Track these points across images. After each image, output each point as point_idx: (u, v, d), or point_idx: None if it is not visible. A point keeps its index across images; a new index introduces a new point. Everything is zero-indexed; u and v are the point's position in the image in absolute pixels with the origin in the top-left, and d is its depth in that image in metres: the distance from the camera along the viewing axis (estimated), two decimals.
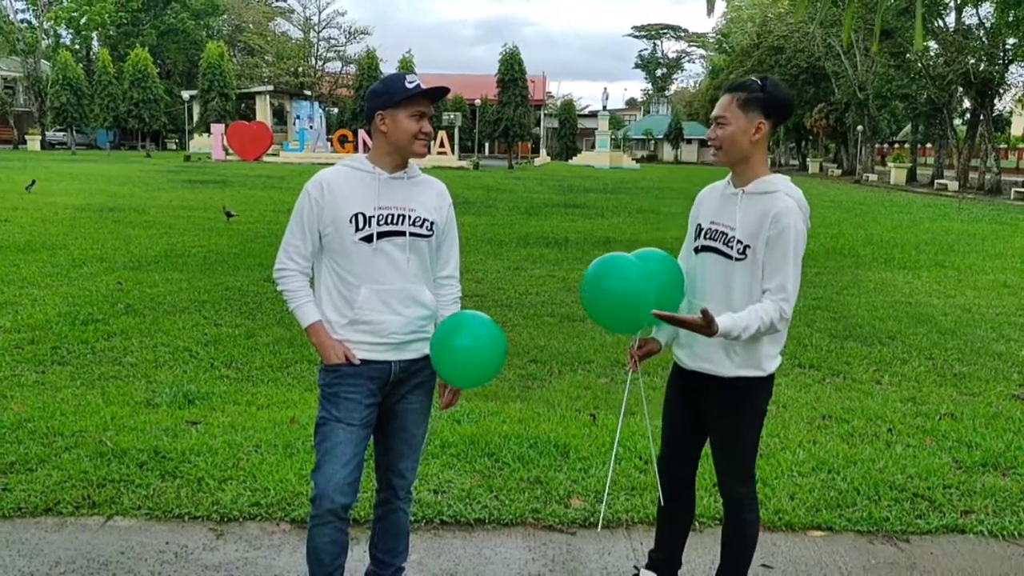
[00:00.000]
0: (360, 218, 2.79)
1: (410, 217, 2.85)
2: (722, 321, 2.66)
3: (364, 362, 2.84)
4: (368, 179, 2.84)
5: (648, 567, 3.26)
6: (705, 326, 2.64)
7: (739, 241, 2.79)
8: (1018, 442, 5.03)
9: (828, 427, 5.29)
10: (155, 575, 3.39)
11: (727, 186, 2.94)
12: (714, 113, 2.85)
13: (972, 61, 35.93)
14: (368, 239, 2.79)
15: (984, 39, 36.36)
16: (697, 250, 2.95)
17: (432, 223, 2.90)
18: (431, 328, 2.96)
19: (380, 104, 2.80)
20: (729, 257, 2.82)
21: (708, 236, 2.91)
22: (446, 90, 2.87)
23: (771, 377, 2.92)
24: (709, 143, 2.90)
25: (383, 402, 2.92)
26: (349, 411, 2.83)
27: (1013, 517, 4.08)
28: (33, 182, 20.56)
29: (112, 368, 6.15)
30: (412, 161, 2.93)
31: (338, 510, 2.82)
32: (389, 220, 2.81)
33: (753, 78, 2.85)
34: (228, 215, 15.52)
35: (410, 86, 2.77)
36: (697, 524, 3.91)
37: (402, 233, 2.83)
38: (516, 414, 5.30)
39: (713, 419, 2.97)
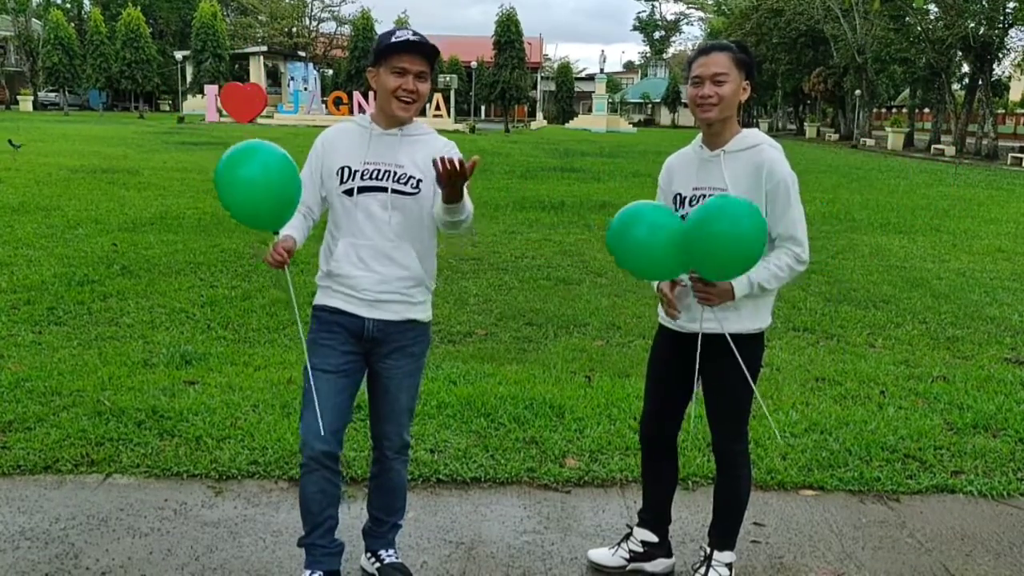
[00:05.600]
0: (346, 171, 2.81)
1: (395, 174, 2.81)
2: (738, 286, 2.80)
3: (339, 312, 2.87)
4: (362, 134, 2.86)
5: (640, 526, 3.30)
6: (728, 295, 2.81)
7: None
8: (1009, 404, 5.09)
9: (821, 389, 5.33)
10: (155, 531, 3.42)
11: (701, 150, 2.94)
12: (715, 69, 2.78)
13: (972, 25, 35.63)
14: (349, 192, 2.81)
15: (984, 2, 36.00)
16: (683, 218, 2.91)
17: (419, 181, 2.82)
18: (416, 293, 2.90)
19: (371, 61, 2.82)
20: None
21: (695, 202, 2.89)
22: (428, 45, 2.74)
23: (763, 333, 2.96)
24: (706, 100, 2.80)
25: (368, 361, 2.94)
26: (324, 357, 2.85)
27: (1002, 477, 4.14)
28: (10, 141, 20.24)
29: (109, 329, 6.16)
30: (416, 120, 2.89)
31: (319, 457, 2.84)
32: (374, 175, 2.80)
33: (728, 41, 2.90)
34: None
35: (393, 40, 2.72)
36: (690, 483, 3.96)
37: (383, 189, 2.80)
38: (512, 376, 5.34)
39: (710, 376, 2.98)
